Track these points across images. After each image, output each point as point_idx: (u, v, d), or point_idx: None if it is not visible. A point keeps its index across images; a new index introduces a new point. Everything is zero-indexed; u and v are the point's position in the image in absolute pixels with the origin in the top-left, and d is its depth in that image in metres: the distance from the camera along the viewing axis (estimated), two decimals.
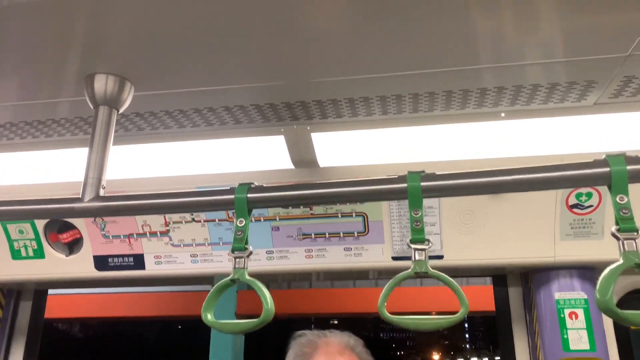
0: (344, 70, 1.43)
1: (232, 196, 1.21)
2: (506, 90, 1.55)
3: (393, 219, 2.10)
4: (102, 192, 1.35)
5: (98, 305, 7.93)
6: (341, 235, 2.13)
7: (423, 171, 1.17)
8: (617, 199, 1.04)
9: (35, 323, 2.73)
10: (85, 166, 1.37)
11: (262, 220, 2.16)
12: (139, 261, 2.29)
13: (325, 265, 2.17)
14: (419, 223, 1.11)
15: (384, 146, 1.93)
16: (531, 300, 2.22)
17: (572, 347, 2.01)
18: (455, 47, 1.30)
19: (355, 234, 2.12)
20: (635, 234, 1.01)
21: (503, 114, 1.71)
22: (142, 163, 2.10)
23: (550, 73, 1.45)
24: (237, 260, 1.16)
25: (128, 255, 2.30)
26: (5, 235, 2.35)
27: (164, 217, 2.22)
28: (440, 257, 2.09)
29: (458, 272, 2.37)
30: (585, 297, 2.06)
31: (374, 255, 2.13)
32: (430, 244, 1.11)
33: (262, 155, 2.02)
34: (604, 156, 1.08)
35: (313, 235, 2.15)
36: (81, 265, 2.33)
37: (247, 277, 1.15)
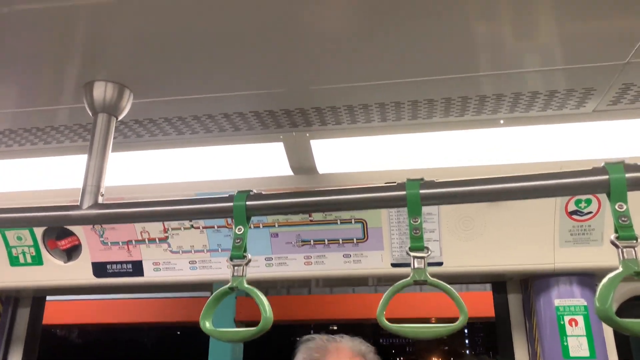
0: (343, 78, 1.43)
1: (231, 204, 1.21)
2: (505, 98, 1.55)
3: (392, 225, 2.09)
4: (100, 199, 1.35)
5: (96, 311, 7.88)
6: (340, 241, 2.13)
7: (422, 179, 1.16)
8: (616, 207, 1.03)
9: (34, 330, 2.71)
10: (83, 173, 1.36)
11: (261, 226, 2.16)
12: (137, 268, 2.28)
13: (324, 271, 2.16)
14: (418, 231, 1.11)
15: (383, 153, 1.93)
16: (531, 307, 2.22)
17: (572, 354, 2.00)
18: (454, 54, 1.31)
19: (355, 241, 2.12)
20: (635, 242, 1.00)
21: (502, 121, 1.71)
22: (141, 170, 2.09)
23: (549, 80, 1.46)
24: (236, 268, 1.16)
25: (127, 262, 2.29)
26: (3, 241, 2.34)
27: (163, 223, 2.21)
28: (440, 263, 2.08)
29: (457, 279, 2.36)
30: (585, 303, 2.06)
31: (373, 261, 2.12)
32: (429, 252, 1.10)
33: (261, 162, 2.01)
34: (602, 164, 1.08)
35: (312, 242, 2.15)
36: (80, 271, 2.32)
37: (246, 285, 1.14)
